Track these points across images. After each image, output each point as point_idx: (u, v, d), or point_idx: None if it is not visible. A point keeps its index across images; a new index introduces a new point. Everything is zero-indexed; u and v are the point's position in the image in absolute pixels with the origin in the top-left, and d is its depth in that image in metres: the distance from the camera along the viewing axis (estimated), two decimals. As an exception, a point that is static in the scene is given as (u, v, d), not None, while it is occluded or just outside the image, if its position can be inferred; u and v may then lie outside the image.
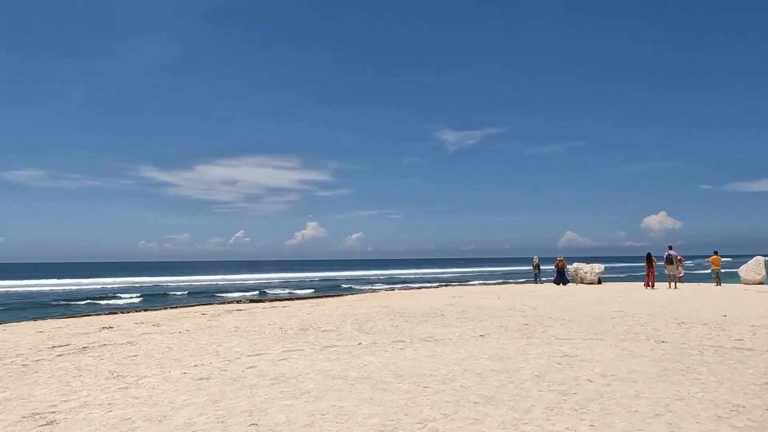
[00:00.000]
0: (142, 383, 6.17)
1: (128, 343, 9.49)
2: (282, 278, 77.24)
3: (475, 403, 5.07)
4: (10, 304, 37.08)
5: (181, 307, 18.13)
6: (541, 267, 29.96)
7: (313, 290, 42.88)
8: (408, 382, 5.93)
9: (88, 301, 39.86)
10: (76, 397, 5.61)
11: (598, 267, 27.51)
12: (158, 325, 12.11)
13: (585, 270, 27.48)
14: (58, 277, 77.98)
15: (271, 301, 19.67)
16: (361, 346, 8.61)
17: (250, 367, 6.97)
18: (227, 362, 7.36)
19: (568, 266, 27.20)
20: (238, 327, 11.32)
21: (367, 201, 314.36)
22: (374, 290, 27.75)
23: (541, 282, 29.87)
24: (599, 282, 27.10)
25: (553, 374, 6.21)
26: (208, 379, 6.34)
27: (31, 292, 49.08)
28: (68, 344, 9.51)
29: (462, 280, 60.79)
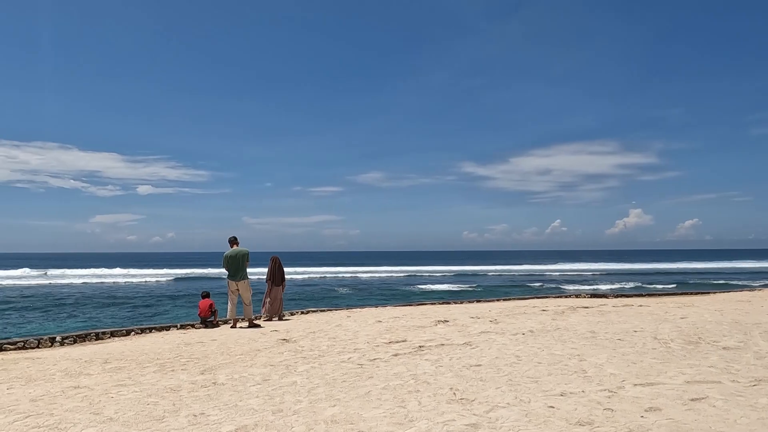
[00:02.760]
0: (496, 419, 4.31)
1: (466, 344, 8.01)
2: (609, 269, 71.12)
3: None
4: (363, 289, 42.03)
5: (514, 299, 16.54)
6: None
7: (674, 285, 37.11)
8: None
9: (417, 287, 42.61)
10: (412, 431, 4.06)
11: None
12: (496, 321, 10.52)
13: None
14: (398, 264, 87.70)
15: (617, 296, 16.50)
16: (823, 385, 5.24)
17: (649, 410, 4.49)
18: (608, 394, 5.02)
19: None
20: (594, 332, 8.87)
21: (703, 183, 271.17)
22: (750, 288, 21.67)
23: None
24: None
25: None
26: (590, 425, 4.12)
27: (376, 279, 55.48)
28: (404, 340, 8.54)
29: None
